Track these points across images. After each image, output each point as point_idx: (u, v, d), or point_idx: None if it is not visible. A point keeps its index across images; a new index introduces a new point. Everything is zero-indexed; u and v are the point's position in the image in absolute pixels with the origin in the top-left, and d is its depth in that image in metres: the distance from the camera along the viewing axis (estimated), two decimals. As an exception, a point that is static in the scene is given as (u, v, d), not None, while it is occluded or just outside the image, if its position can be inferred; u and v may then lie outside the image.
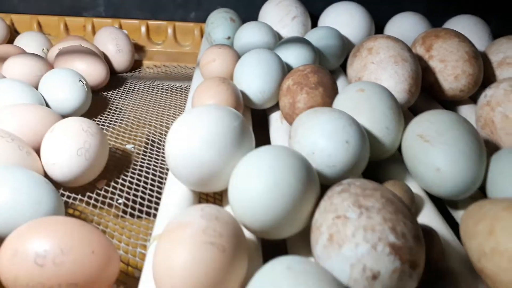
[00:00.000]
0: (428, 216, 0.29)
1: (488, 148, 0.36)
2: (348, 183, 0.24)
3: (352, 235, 0.20)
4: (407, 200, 0.28)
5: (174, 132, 0.28)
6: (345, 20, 0.56)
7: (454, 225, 0.29)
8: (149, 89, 0.54)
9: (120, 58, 0.59)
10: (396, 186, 0.29)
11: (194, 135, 0.27)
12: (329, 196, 0.23)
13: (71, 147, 0.33)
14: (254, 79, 0.41)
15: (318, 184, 0.26)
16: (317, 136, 0.29)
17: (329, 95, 0.38)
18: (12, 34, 0.63)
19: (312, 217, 0.24)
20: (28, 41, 0.57)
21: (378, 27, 0.61)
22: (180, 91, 0.54)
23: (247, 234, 0.26)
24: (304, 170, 0.25)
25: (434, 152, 0.29)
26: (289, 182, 0.24)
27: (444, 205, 0.32)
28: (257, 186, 0.24)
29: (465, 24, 0.57)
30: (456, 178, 0.29)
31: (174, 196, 0.30)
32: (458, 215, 0.31)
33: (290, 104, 0.38)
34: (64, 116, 0.42)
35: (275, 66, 0.42)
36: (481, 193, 0.31)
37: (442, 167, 0.29)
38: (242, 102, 0.39)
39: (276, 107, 0.43)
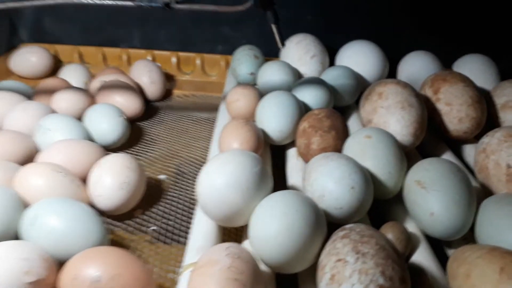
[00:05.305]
0: (422, 255, 0.33)
1: (484, 191, 0.40)
2: (349, 228, 0.28)
3: (349, 276, 0.25)
4: (403, 241, 0.32)
5: (204, 176, 0.33)
6: (360, 59, 0.60)
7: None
8: (179, 119, 0.60)
9: (153, 88, 0.64)
10: (394, 228, 0.33)
11: (220, 179, 0.32)
12: (333, 240, 0.28)
13: (115, 182, 0.38)
14: (273, 119, 0.46)
15: (325, 226, 0.31)
16: (327, 181, 0.34)
17: (340, 138, 0.43)
18: (55, 63, 0.70)
19: (319, 255, 0.29)
20: (71, 73, 0.64)
21: (393, 61, 0.65)
22: (207, 122, 0.59)
23: (264, 267, 0.31)
24: (313, 215, 0.30)
25: (429, 198, 0.34)
26: (299, 226, 0.29)
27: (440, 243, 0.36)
28: (272, 229, 0.29)
29: (473, 64, 0.61)
30: (447, 222, 0.33)
31: (202, 229, 0.35)
32: (451, 252, 0.35)
33: (305, 145, 0.43)
34: (105, 147, 0.48)
35: (292, 107, 0.47)
36: (472, 234, 0.35)
37: (435, 212, 0.33)
38: (262, 141, 0.44)
39: (292, 143, 0.48)
